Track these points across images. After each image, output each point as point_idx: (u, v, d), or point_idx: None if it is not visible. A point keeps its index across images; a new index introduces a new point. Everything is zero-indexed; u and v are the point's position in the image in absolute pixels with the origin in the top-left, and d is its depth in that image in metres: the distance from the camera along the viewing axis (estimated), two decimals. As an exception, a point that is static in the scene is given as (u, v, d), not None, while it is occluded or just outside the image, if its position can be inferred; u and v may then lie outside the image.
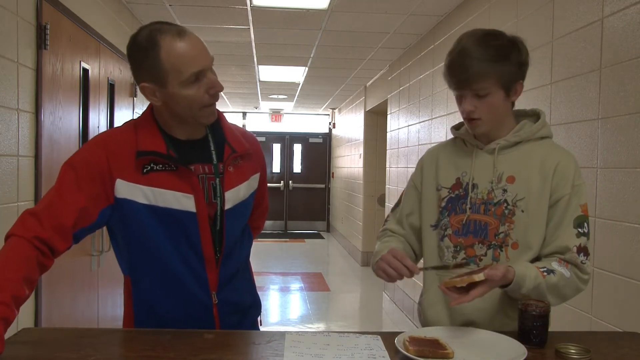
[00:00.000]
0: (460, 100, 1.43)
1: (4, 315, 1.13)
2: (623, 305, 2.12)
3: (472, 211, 1.47)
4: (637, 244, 2.05)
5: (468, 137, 1.53)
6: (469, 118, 1.43)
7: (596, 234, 2.27)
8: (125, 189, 1.37)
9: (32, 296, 2.48)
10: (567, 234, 1.41)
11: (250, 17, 4.36)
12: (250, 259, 1.65)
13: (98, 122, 3.36)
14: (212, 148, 1.48)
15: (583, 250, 1.41)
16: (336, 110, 10.73)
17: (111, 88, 3.58)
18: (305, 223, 11.87)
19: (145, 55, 1.33)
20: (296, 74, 6.86)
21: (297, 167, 11.93)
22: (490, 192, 1.46)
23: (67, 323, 2.86)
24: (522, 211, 1.42)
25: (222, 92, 1.41)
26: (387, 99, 6.26)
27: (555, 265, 1.39)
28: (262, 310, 1.70)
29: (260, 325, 1.68)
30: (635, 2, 2.08)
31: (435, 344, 1.24)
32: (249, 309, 1.62)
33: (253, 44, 5.28)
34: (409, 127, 5.22)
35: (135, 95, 4.13)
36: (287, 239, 10.74)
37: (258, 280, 6.94)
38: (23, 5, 2.38)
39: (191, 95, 1.34)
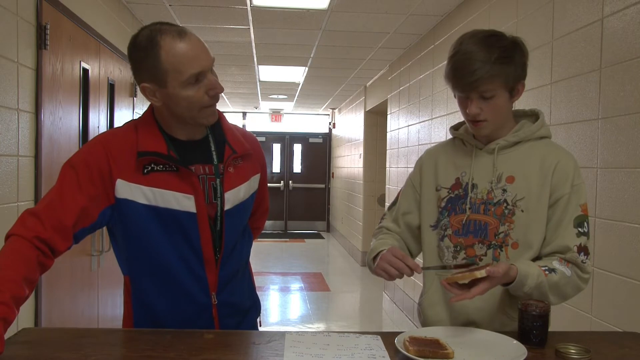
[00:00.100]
0: (464, 102, 1.42)
1: (3, 315, 1.13)
2: (623, 305, 2.12)
3: (472, 211, 1.47)
4: (637, 244, 2.05)
5: (467, 137, 1.53)
6: (474, 120, 1.42)
7: (596, 234, 2.27)
8: (125, 189, 1.37)
9: (32, 296, 2.48)
10: (567, 234, 1.41)
11: (250, 17, 4.36)
12: (250, 259, 1.65)
13: (98, 122, 3.36)
14: (213, 148, 1.48)
15: (583, 249, 1.41)
16: (336, 110, 10.73)
17: (111, 88, 3.58)
18: (305, 223, 11.87)
19: (145, 55, 1.33)
20: (296, 74, 6.87)
21: (297, 167, 11.93)
22: (490, 192, 1.46)
23: (67, 323, 2.86)
24: (522, 211, 1.42)
25: (222, 87, 1.40)
26: (387, 99, 6.26)
27: (556, 264, 1.39)
28: (262, 310, 1.70)
29: (260, 326, 1.68)
30: (635, 2, 2.08)
31: (435, 344, 1.24)
32: (248, 310, 1.62)
33: (253, 44, 5.28)
34: (409, 127, 5.22)
35: (135, 95, 4.13)
36: (287, 239, 10.74)
37: (258, 280, 6.95)
38: (23, 5, 2.38)
39: (191, 96, 1.34)
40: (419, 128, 4.88)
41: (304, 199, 11.87)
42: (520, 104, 2.79)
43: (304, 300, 6.02)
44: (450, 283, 1.32)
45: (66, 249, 1.32)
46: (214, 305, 1.48)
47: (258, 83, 7.58)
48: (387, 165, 6.10)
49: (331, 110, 10.93)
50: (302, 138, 11.84)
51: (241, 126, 10.68)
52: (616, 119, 2.17)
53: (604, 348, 1.33)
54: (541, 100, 2.74)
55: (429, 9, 4.08)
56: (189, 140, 1.46)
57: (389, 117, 6.14)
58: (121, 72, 3.79)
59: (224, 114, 1.57)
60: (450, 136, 1.62)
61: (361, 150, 8.09)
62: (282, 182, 11.80)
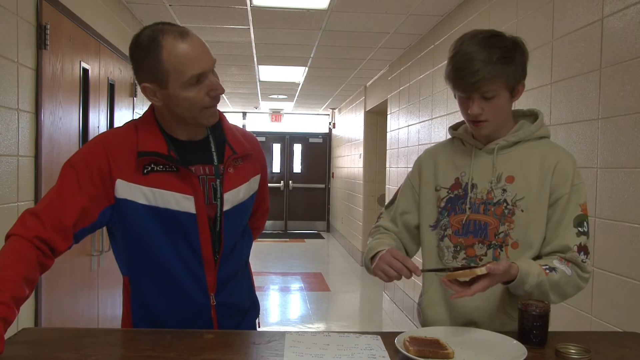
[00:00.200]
0: (465, 102, 1.42)
1: (3, 315, 1.13)
2: (623, 305, 2.12)
3: (472, 211, 1.47)
4: (637, 244, 2.05)
5: (466, 137, 1.53)
6: (475, 120, 1.42)
7: (596, 234, 2.27)
8: (125, 190, 1.37)
9: (32, 296, 2.48)
10: (568, 233, 1.41)
11: (250, 17, 4.36)
12: (250, 259, 1.65)
13: (98, 122, 3.36)
14: (213, 149, 1.48)
15: (583, 249, 1.41)
16: (336, 110, 10.73)
17: (111, 88, 3.58)
18: (305, 223, 11.87)
19: (146, 55, 1.33)
20: (296, 74, 6.87)
21: (297, 167, 11.93)
22: (490, 192, 1.46)
23: (67, 323, 2.86)
24: (522, 211, 1.42)
25: (223, 94, 1.40)
26: (387, 99, 6.26)
27: (556, 263, 1.39)
28: (262, 310, 1.70)
29: (259, 327, 1.68)
30: (635, 2, 2.08)
31: (435, 344, 1.24)
32: (247, 311, 1.62)
33: (253, 44, 5.28)
34: (409, 127, 5.22)
35: (135, 95, 4.13)
36: (287, 239, 10.74)
37: (258, 281, 6.94)
38: (23, 5, 2.38)
39: (192, 97, 1.34)
40: (419, 128, 4.88)
41: (304, 199, 11.87)
42: (520, 103, 2.79)
43: (304, 300, 6.02)
44: (450, 280, 1.32)
45: (66, 249, 1.32)
46: (212, 306, 1.47)
47: (258, 83, 7.58)
48: (387, 165, 6.10)
49: (331, 110, 10.93)
50: (302, 138, 11.84)
51: (241, 126, 10.68)
52: (616, 119, 2.17)
53: (604, 348, 1.33)
54: (541, 100, 2.74)
55: (429, 9, 4.08)
56: (190, 140, 1.45)
57: (389, 117, 6.14)
58: (121, 72, 3.79)
59: (224, 114, 1.57)
60: (449, 136, 1.62)
61: (361, 150, 8.09)
62: (282, 182, 11.80)
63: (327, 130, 11.72)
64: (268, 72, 6.80)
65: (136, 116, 4.10)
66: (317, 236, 11.16)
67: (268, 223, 11.31)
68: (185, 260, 1.43)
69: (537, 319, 1.31)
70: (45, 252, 1.28)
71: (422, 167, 1.60)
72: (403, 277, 1.37)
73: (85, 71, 3.12)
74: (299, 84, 7.58)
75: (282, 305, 5.96)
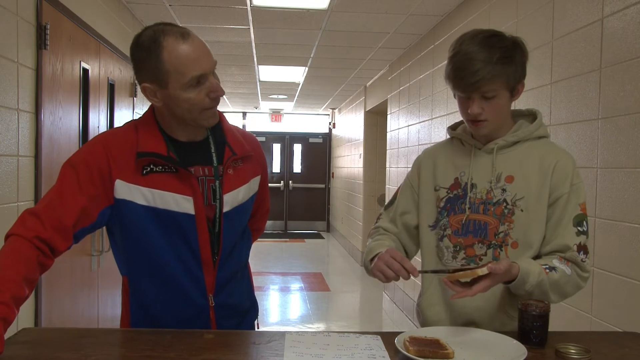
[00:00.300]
0: (465, 102, 1.42)
1: (3, 315, 1.13)
2: (623, 305, 2.12)
3: (472, 211, 1.47)
4: (637, 244, 2.05)
5: (465, 137, 1.53)
6: (475, 120, 1.42)
7: (596, 234, 2.27)
8: (124, 190, 1.37)
9: (32, 296, 2.48)
10: (567, 233, 1.41)
11: (250, 17, 4.36)
12: (250, 259, 1.65)
13: (98, 122, 3.36)
14: (213, 150, 1.48)
15: (583, 248, 1.41)
16: (336, 110, 10.73)
17: (111, 88, 3.58)
18: (305, 223, 11.87)
19: (147, 55, 1.33)
20: (296, 74, 6.87)
21: (297, 167, 11.93)
22: (490, 191, 1.46)
23: (67, 323, 2.86)
24: (522, 210, 1.43)
25: (223, 95, 1.40)
26: (387, 99, 6.26)
27: (556, 262, 1.39)
28: (262, 310, 1.70)
29: (257, 328, 1.67)
30: (635, 2, 2.08)
31: (435, 344, 1.24)
32: (247, 312, 1.61)
33: (253, 44, 5.28)
34: (409, 127, 5.22)
35: (135, 95, 4.13)
36: (287, 239, 10.74)
37: (258, 281, 6.95)
38: (23, 5, 2.38)
39: (192, 98, 1.34)
40: (419, 128, 4.88)
41: (304, 199, 11.87)
42: (521, 103, 2.80)
43: (304, 300, 6.02)
44: (451, 281, 1.31)
45: (66, 248, 1.32)
46: (211, 307, 1.47)
47: (258, 83, 7.58)
48: (387, 165, 6.10)
49: (331, 110, 10.93)
50: (302, 138, 11.84)
51: (241, 126, 10.68)
52: (616, 119, 2.17)
53: (604, 348, 1.33)
54: (541, 100, 2.74)
55: (429, 9, 4.08)
56: (189, 141, 1.45)
57: (389, 117, 6.14)
58: (121, 72, 3.79)
59: (224, 114, 1.56)
60: (448, 136, 1.62)
61: (361, 150, 8.10)
62: (282, 182, 11.80)
63: (327, 130, 11.72)
64: (268, 72, 6.80)
65: (136, 116, 4.10)
66: (317, 236, 11.16)
67: (268, 223, 11.29)
68: (184, 261, 1.42)
69: (537, 319, 1.31)
70: (45, 252, 1.28)
71: (421, 167, 1.60)
72: (401, 278, 1.37)
73: (85, 71, 3.12)
74: (299, 84, 7.58)
75: (282, 305, 5.96)
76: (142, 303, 1.47)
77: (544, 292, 1.36)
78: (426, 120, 4.66)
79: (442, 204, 1.52)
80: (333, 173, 11.34)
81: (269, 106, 10.50)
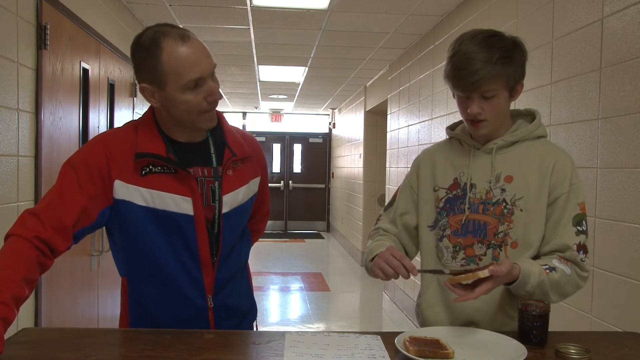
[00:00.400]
0: (464, 102, 1.42)
1: (3, 315, 1.13)
2: (623, 305, 2.12)
3: (471, 211, 1.47)
4: (637, 244, 2.05)
5: (464, 137, 1.53)
6: (475, 120, 1.42)
7: (596, 234, 2.27)
8: (123, 190, 1.37)
9: (32, 296, 2.48)
10: (567, 232, 1.41)
11: (250, 17, 4.36)
12: (250, 259, 1.65)
13: (98, 122, 3.36)
14: (212, 151, 1.48)
15: (582, 248, 1.41)
16: (336, 110, 10.73)
17: (111, 88, 3.58)
18: (305, 223, 11.87)
19: (146, 56, 1.33)
20: (296, 74, 6.86)
21: (297, 167, 11.93)
22: (489, 191, 1.46)
23: (67, 323, 2.86)
24: (521, 210, 1.43)
25: (222, 92, 1.40)
26: (387, 99, 6.26)
27: (556, 262, 1.39)
28: (262, 310, 1.70)
29: (256, 329, 1.67)
30: (635, 2, 2.08)
31: (435, 344, 1.24)
32: (247, 313, 1.61)
33: (253, 44, 5.28)
34: (409, 127, 5.22)
35: (135, 95, 4.13)
36: (287, 239, 10.74)
37: (258, 281, 6.96)
38: (23, 5, 2.38)
39: (189, 101, 1.34)
40: (419, 128, 4.88)
41: (304, 199, 11.87)
42: (521, 103, 2.80)
43: (304, 300, 6.02)
44: (453, 284, 1.31)
45: (66, 249, 1.32)
46: (210, 308, 1.47)
47: (258, 83, 7.58)
48: (387, 165, 6.10)
49: (331, 110, 10.93)
50: (302, 138, 11.84)
51: (241, 126, 10.67)
52: (616, 119, 2.17)
53: (604, 348, 1.33)
54: (541, 100, 2.74)
55: (429, 9, 4.08)
56: (189, 142, 1.45)
57: (389, 117, 6.14)
58: (121, 72, 3.79)
59: (224, 114, 1.56)
60: (447, 136, 1.62)
61: (361, 150, 8.10)
62: (282, 182, 11.80)
63: (327, 130, 11.72)
64: (268, 72, 6.80)
65: (136, 116, 4.10)
66: (317, 236, 11.16)
67: (268, 223, 11.23)
68: (182, 262, 1.42)
69: (537, 319, 1.31)
70: (45, 252, 1.27)
71: (420, 167, 1.60)
72: (401, 276, 1.37)
73: (85, 71, 3.12)
74: (299, 84, 7.58)
75: (282, 305, 5.96)
76: (141, 303, 1.47)
77: (544, 292, 1.36)
78: (426, 120, 4.66)
79: (441, 204, 1.52)
80: (333, 173, 11.34)
81: (269, 106, 10.50)
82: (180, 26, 1.43)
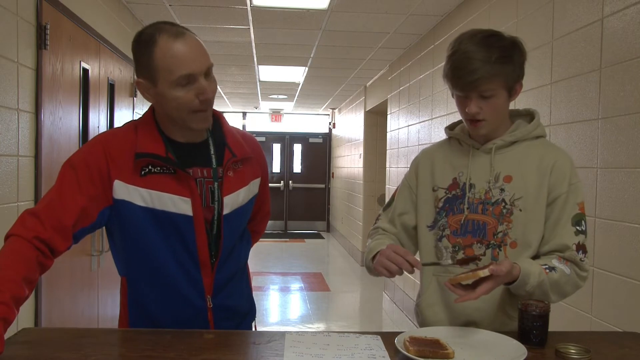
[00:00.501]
0: (463, 101, 1.42)
1: (3, 315, 1.13)
2: (623, 305, 2.12)
3: (470, 211, 1.47)
4: (637, 244, 2.05)
5: (463, 137, 1.53)
6: (473, 119, 1.42)
7: (596, 234, 2.27)
8: (123, 191, 1.37)
9: (32, 296, 2.48)
10: (566, 232, 1.41)
11: (250, 17, 4.36)
12: (250, 259, 1.65)
13: (98, 122, 3.36)
14: (212, 152, 1.47)
15: (582, 248, 1.41)
16: (336, 110, 10.73)
17: (111, 88, 3.58)
18: (305, 223, 11.87)
19: (143, 51, 1.34)
20: (296, 74, 6.86)
21: (297, 167, 11.93)
22: (488, 191, 1.46)
23: (67, 323, 2.86)
24: (520, 210, 1.43)
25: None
26: (387, 99, 6.26)
27: (555, 262, 1.39)
28: (262, 310, 1.70)
29: (255, 329, 1.67)
30: (635, 2, 2.08)
31: (435, 344, 1.24)
32: (246, 314, 1.61)
33: (253, 44, 5.28)
34: (409, 127, 5.22)
35: (135, 95, 4.14)
36: (287, 239, 10.74)
37: (258, 281, 6.95)
38: (23, 5, 2.38)
39: (179, 97, 1.33)
40: (419, 128, 4.88)
41: (304, 199, 11.87)
42: (521, 103, 2.80)
43: (304, 300, 6.02)
44: (453, 284, 1.31)
45: (66, 249, 1.32)
46: (209, 309, 1.47)
47: (258, 83, 7.58)
48: (387, 165, 6.10)
49: (331, 110, 10.93)
50: (302, 138, 11.84)
51: (241, 126, 10.66)
52: (616, 119, 2.17)
53: (604, 348, 1.33)
54: (541, 100, 2.74)
55: (429, 9, 4.08)
56: (188, 142, 1.45)
57: (389, 117, 6.14)
58: (121, 72, 3.79)
59: (224, 114, 1.56)
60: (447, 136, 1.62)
61: (361, 150, 8.10)
62: (282, 182, 11.80)
63: (327, 130, 11.72)
64: (268, 72, 6.80)
65: (136, 116, 4.10)
66: (317, 236, 11.16)
67: (268, 223, 11.25)
68: (181, 263, 1.42)
69: (537, 319, 1.31)
70: (45, 253, 1.27)
71: (419, 167, 1.60)
72: (405, 272, 1.37)
73: (85, 71, 3.12)
74: (299, 84, 7.58)
75: (282, 305, 5.96)
76: (141, 303, 1.47)
77: (544, 292, 1.36)
78: (426, 120, 4.66)
79: (440, 204, 1.52)
80: (333, 173, 11.34)
81: (269, 106, 10.50)
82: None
